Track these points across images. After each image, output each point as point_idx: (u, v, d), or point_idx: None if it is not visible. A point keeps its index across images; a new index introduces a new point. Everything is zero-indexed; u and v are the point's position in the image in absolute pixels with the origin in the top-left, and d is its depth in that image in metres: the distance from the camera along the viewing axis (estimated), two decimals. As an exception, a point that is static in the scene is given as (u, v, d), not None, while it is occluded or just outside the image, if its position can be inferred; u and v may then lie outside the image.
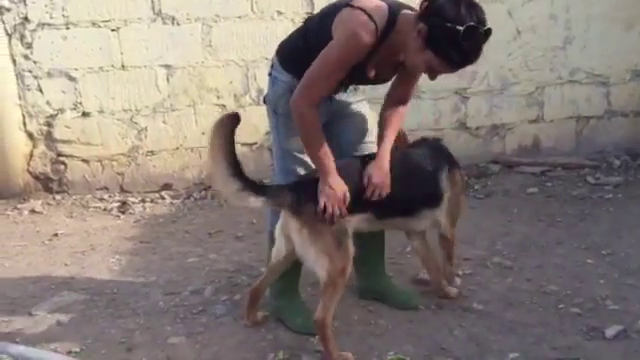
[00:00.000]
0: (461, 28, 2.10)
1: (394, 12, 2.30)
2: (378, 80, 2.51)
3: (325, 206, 2.33)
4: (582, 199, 4.34)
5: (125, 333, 2.68)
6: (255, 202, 2.37)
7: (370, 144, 2.65)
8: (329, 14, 2.38)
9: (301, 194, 2.39)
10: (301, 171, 2.56)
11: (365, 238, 2.78)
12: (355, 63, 2.32)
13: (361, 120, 2.67)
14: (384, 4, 2.32)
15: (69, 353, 2.53)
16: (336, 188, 2.34)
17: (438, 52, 2.20)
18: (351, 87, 2.59)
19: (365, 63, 2.35)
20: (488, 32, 2.19)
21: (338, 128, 2.61)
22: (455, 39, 2.12)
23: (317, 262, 2.37)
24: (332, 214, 2.33)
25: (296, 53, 2.50)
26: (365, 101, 2.71)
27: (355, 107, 2.65)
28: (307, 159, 2.51)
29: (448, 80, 4.93)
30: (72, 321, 2.81)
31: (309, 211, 2.36)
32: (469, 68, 2.37)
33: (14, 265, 3.50)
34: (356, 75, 2.41)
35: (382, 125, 2.56)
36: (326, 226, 2.36)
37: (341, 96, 2.59)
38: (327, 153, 2.37)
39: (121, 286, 3.17)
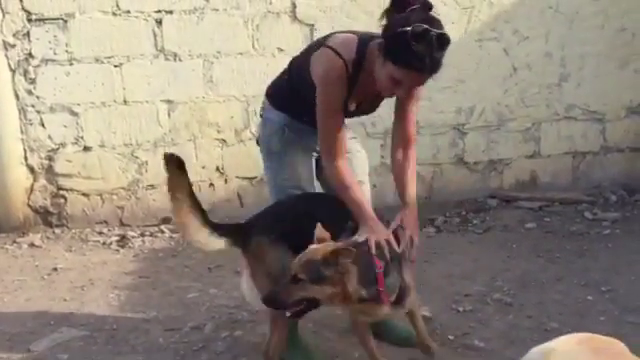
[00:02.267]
0: (409, 29, 2.13)
1: (364, 43, 2.38)
2: (359, 112, 2.57)
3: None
4: (580, 235, 4.37)
5: (125, 370, 2.67)
6: (220, 244, 2.45)
7: (361, 183, 2.66)
8: (308, 52, 2.51)
9: (249, 232, 2.45)
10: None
11: None
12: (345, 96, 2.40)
13: (352, 158, 2.68)
14: (354, 37, 2.41)
15: (68, 391, 2.51)
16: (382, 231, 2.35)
17: (395, 60, 2.19)
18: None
19: (347, 97, 2.41)
20: (442, 37, 2.15)
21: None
22: (406, 42, 2.14)
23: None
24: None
25: (283, 91, 2.63)
26: (356, 139, 2.77)
27: (352, 146, 2.68)
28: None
29: (446, 115, 5.06)
30: (71, 358, 2.80)
31: (255, 248, 2.43)
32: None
33: (13, 300, 3.48)
34: (347, 110, 2.48)
35: (399, 176, 2.61)
36: (264, 266, 2.39)
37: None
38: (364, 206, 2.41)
39: (120, 322, 3.16)
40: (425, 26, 2.12)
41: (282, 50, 4.75)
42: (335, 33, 2.51)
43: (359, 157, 2.73)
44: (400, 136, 2.60)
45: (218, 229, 2.45)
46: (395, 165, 2.62)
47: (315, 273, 2.06)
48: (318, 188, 2.72)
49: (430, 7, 2.24)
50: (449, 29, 4.79)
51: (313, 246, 2.14)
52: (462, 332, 2.92)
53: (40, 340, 2.96)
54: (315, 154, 2.68)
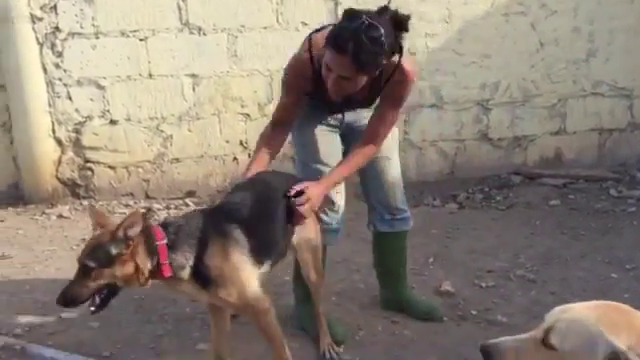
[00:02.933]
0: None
1: None
2: (355, 105, 2.55)
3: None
4: (605, 212, 4.34)
5: (154, 339, 2.74)
6: None
7: (383, 159, 2.68)
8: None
9: None
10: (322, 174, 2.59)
11: (387, 249, 2.83)
12: (304, 89, 2.43)
13: None
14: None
15: (99, 357, 2.59)
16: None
17: (326, 42, 2.19)
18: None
19: (319, 91, 2.40)
20: (372, 27, 2.07)
21: (347, 141, 2.67)
22: (338, 23, 2.18)
23: None
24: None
25: None
26: None
27: (364, 122, 2.63)
28: (321, 168, 2.57)
29: (470, 91, 5.03)
30: (101, 326, 2.87)
31: None
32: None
33: (44, 269, 3.57)
34: (323, 100, 2.47)
35: (345, 158, 2.54)
36: None
37: (351, 115, 2.64)
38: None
39: (148, 292, 3.18)
40: (358, 10, 2.13)
41: (306, 24, 4.74)
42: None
43: None
44: (368, 131, 2.51)
45: None
46: (350, 150, 2.55)
47: (105, 256, 1.92)
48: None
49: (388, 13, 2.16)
50: (476, 2, 4.78)
51: (95, 233, 2.01)
52: (485, 307, 2.95)
53: (71, 308, 3.04)
54: (336, 129, 2.67)
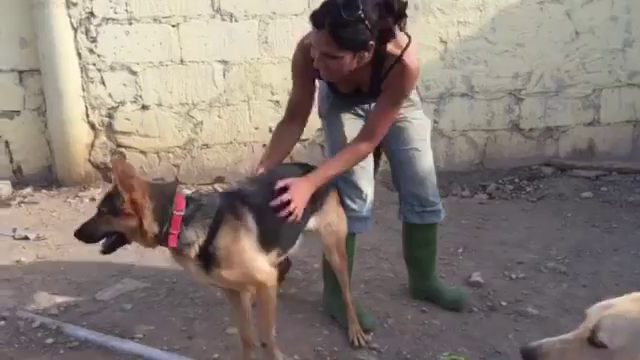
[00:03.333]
0: None
1: None
2: (365, 95, 2.51)
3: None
4: (638, 205, 4.27)
5: (185, 322, 2.78)
6: None
7: (412, 150, 2.66)
8: None
9: None
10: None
11: (417, 241, 2.82)
12: (310, 76, 2.44)
13: (403, 128, 2.64)
14: None
15: (133, 338, 2.64)
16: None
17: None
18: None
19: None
20: (350, 3, 2.06)
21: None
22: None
23: None
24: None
25: None
26: (413, 107, 2.66)
27: (401, 115, 2.60)
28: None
29: (502, 80, 4.96)
30: (134, 308, 2.93)
31: None
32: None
33: (78, 251, 3.62)
34: (334, 90, 2.55)
35: (337, 153, 2.49)
36: None
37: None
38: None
39: (179, 276, 3.26)
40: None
41: (337, 11, 4.71)
42: None
43: (415, 125, 2.66)
44: (363, 127, 2.48)
45: None
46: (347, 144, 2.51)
47: (111, 205, 2.02)
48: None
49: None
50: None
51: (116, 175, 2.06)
52: (515, 299, 2.92)
53: (105, 290, 3.11)
54: (363, 117, 2.66)
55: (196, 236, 2.07)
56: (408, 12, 4.68)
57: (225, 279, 2.12)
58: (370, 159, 2.63)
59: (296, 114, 2.57)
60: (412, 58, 2.31)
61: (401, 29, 2.22)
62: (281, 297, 2.94)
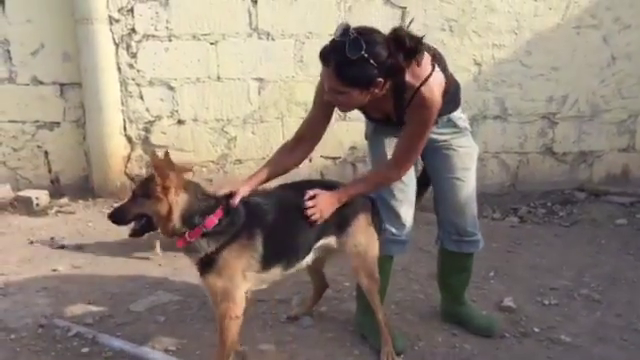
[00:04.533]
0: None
1: None
2: (392, 123, 2.48)
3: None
4: (674, 234, 4.20)
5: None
6: None
7: (453, 179, 2.63)
8: None
9: None
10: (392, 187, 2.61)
11: (452, 268, 2.81)
12: (329, 104, 2.41)
13: (447, 155, 2.62)
14: None
15: (166, 351, 2.68)
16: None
17: None
18: (443, 119, 2.54)
19: (363, 106, 2.40)
20: (356, 41, 2.09)
21: (428, 158, 2.67)
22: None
23: None
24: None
25: None
26: (460, 134, 2.62)
27: (446, 142, 2.60)
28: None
29: (537, 104, 4.95)
30: (168, 320, 2.97)
31: None
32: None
33: (113, 262, 3.71)
34: (367, 117, 2.57)
35: (367, 174, 2.56)
36: None
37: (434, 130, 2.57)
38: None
39: (211, 290, 3.31)
40: (349, 26, 2.13)
41: (373, 32, 4.76)
42: None
43: (460, 153, 2.62)
44: (392, 154, 2.49)
45: None
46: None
47: (145, 188, 2.20)
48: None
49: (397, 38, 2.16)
50: (546, 15, 4.72)
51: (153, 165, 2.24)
52: (548, 325, 2.89)
53: (138, 301, 3.16)
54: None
55: (207, 246, 2.26)
56: (441, 35, 4.74)
57: (211, 286, 2.29)
58: (413, 184, 2.64)
59: (305, 135, 2.57)
60: (430, 89, 2.28)
61: (418, 64, 2.22)
62: (312, 315, 2.99)
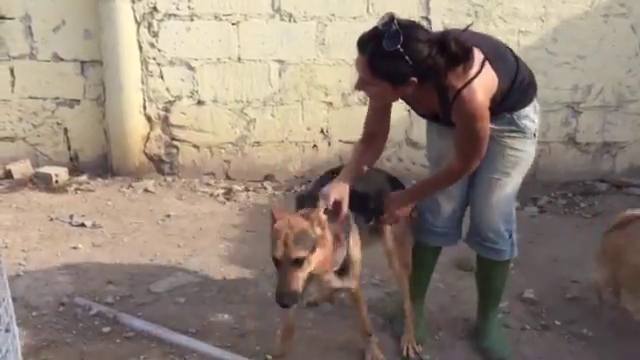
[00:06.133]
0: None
1: None
2: (441, 119, 2.37)
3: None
4: (698, 229, 4.12)
5: (237, 319, 2.82)
6: None
7: (489, 178, 2.48)
8: None
9: None
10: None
11: (478, 269, 2.74)
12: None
13: (494, 152, 2.41)
14: None
15: (186, 333, 2.69)
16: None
17: None
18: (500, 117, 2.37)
19: (408, 101, 2.37)
20: (396, 33, 1.99)
21: None
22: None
23: None
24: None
25: None
26: (520, 138, 2.42)
27: (498, 137, 2.40)
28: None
29: (561, 92, 4.86)
30: (187, 302, 2.98)
31: None
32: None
33: (132, 241, 3.73)
34: (415, 111, 2.51)
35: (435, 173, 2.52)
36: None
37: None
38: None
39: (231, 272, 3.32)
40: (394, 16, 2.03)
41: (396, 16, 4.69)
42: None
43: (506, 153, 2.43)
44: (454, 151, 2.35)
45: None
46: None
47: (309, 240, 2.04)
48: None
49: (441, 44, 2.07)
50: (574, 2, 4.62)
51: (283, 224, 2.06)
52: (570, 319, 2.87)
53: (158, 282, 3.17)
54: None
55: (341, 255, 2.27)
56: (466, 20, 4.66)
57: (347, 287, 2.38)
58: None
59: (372, 134, 2.46)
60: (472, 91, 2.14)
61: (464, 70, 2.12)
62: (332, 303, 2.98)
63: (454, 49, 2.06)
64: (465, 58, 2.10)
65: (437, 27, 4.71)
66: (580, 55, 4.80)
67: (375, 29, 2.07)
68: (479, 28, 4.64)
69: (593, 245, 3.76)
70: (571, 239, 3.93)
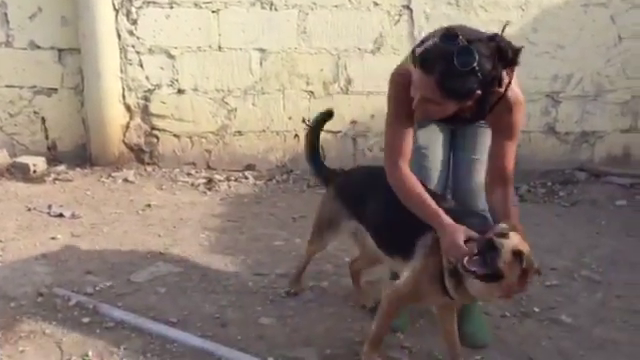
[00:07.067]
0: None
1: None
2: (456, 122, 2.38)
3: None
4: (674, 216, 4.21)
5: (218, 309, 2.80)
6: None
7: (475, 160, 2.52)
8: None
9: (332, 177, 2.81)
10: (426, 164, 2.57)
11: None
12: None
13: (478, 133, 2.50)
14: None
15: (167, 322, 2.67)
16: (453, 237, 2.09)
17: (414, 58, 2.08)
18: None
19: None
20: (467, 50, 1.93)
21: (455, 140, 2.61)
22: (430, 41, 2.05)
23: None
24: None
25: None
26: None
27: (479, 125, 2.46)
28: (428, 153, 2.54)
29: (540, 82, 4.90)
30: (168, 292, 2.96)
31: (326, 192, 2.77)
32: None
33: (112, 231, 3.69)
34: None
35: (502, 211, 2.27)
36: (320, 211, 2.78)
37: None
38: (433, 211, 2.18)
39: (212, 262, 3.30)
40: (457, 32, 1.96)
41: (377, 5, 4.70)
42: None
43: (488, 131, 2.44)
44: (497, 174, 2.30)
45: (317, 163, 2.91)
46: (496, 202, 2.30)
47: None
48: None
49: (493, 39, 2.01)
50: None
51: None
52: (548, 306, 2.90)
53: (139, 272, 3.14)
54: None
55: None
56: (447, 10, 4.66)
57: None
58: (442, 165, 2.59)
59: (409, 152, 2.34)
60: (516, 91, 2.19)
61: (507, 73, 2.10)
62: (312, 291, 2.99)
63: (511, 55, 2.01)
64: (517, 62, 2.05)
65: (419, 16, 4.73)
66: (560, 45, 4.83)
67: (439, 47, 1.97)
68: (460, 18, 4.69)
69: (571, 233, 3.84)
70: (550, 227, 3.97)
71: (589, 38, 4.83)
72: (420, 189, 2.25)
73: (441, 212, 2.16)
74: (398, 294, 2.27)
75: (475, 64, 1.93)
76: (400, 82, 2.24)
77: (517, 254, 2.00)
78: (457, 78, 1.96)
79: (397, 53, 4.71)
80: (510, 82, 2.14)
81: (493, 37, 2.00)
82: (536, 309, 2.88)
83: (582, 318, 2.81)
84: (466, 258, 2.00)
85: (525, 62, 4.90)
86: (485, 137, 2.47)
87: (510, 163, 2.29)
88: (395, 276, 2.68)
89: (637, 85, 4.95)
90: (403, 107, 2.24)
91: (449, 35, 1.97)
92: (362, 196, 2.52)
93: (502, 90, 2.12)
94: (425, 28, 4.56)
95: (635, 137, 5.07)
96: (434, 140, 2.57)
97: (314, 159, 2.89)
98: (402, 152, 2.29)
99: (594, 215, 4.22)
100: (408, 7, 4.71)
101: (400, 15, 4.73)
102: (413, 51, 2.14)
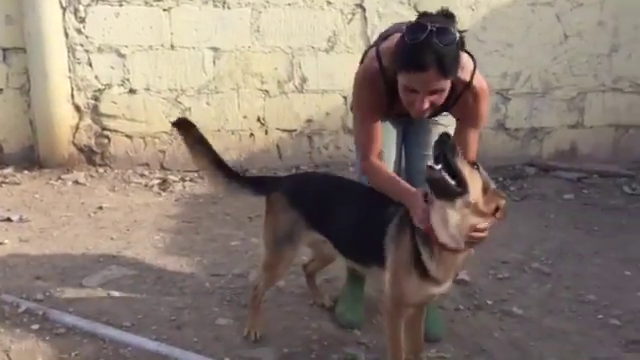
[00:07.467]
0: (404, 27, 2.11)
1: None
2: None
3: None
4: (619, 209, 4.37)
5: (174, 311, 2.76)
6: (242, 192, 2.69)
7: (426, 156, 2.44)
8: (373, 45, 2.46)
9: (275, 186, 2.56)
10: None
11: None
12: (381, 105, 2.30)
13: (431, 131, 2.53)
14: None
15: (121, 327, 2.62)
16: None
17: (399, 66, 2.13)
18: None
19: (392, 102, 2.32)
20: (444, 30, 2.01)
21: (408, 137, 2.65)
22: (403, 41, 2.09)
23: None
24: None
25: None
26: (445, 113, 2.44)
27: (432, 122, 2.52)
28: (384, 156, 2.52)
29: (490, 80, 4.98)
30: (122, 296, 2.90)
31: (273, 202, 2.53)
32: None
33: (62, 235, 3.59)
34: (389, 113, 2.41)
35: None
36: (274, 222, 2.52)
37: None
38: (403, 186, 2.26)
39: (167, 264, 3.25)
40: (421, 21, 2.04)
41: (330, 3, 4.72)
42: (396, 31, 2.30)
43: (440, 130, 2.41)
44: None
45: (239, 180, 2.69)
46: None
47: None
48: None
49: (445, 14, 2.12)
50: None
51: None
52: (500, 298, 2.97)
53: (91, 276, 3.07)
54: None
55: None
56: (399, 8, 4.71)
57: None
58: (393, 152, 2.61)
59: (379, 147, 2.40)
60: (480, 80, 2.27)
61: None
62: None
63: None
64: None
65: (372, 15, 4.77)
66: (508, 43, 4.96)
67: (421, 43, 2.00)
68: (412, 16, 4.69)
69: (522, 226, 3.94)
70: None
71: (536, 36, 4.96)
72: (391, 173, 2.38)
73: (409, 186, 2.24)
74: (393, 301, 2.21)
75: (456, 36, 2.03)
76: (367, 80, 2.30)
77: (473, 163, 2.10)
78: (449, 57, 2.02)
79: (351, 51, 4.75)
80: (474, 71, 2.22)
81: (448, 14, 2.12)
82: (489, 302, 2.94)
83: (533, 309, 2.88)
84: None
85: (475, 60, 5.04)
86: (437, 134, 2.49)
87: (473, 152, 2.36)
88: (352, 271, 2.72)
89: (582, 82, 5.12)
90: (370, 105, 2.32)
91: (418, 28, 2.02)
92: (320, 204, 2.43)
93: (468, 79, 2.20)
94: (378, 27, 4.60)
95: (581, 132, 5.25)
96: (390, 140, 2.59)
97: (237, 177, 2.70)
98: (372, 148, 2.37)
99: (543, 209, 4.34)
100: (361, 6, 4.75)
101: (353, 14, 4.76)
102: (378, 49, 2.26)
